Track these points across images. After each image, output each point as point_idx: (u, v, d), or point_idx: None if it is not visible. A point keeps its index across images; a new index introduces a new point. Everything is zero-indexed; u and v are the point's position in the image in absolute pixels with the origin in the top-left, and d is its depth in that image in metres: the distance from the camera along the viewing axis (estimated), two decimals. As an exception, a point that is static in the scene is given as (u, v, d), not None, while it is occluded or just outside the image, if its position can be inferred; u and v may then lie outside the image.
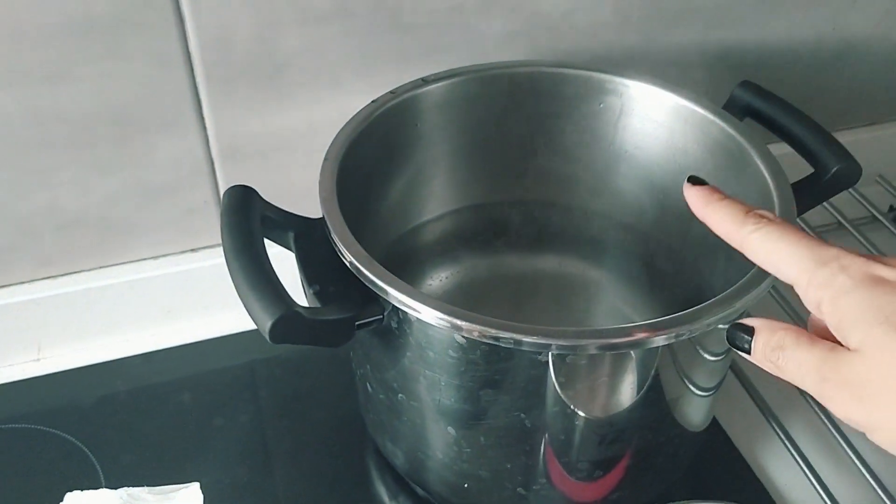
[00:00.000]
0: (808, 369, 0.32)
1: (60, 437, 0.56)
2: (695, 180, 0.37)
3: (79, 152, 0.56)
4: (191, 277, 0.63)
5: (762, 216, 0.35)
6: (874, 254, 0.64)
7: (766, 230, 0.34)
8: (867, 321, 0.30)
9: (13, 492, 0.54)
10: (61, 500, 0.50)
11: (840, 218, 0.69)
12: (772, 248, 0.34)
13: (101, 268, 0.62)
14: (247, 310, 0.39)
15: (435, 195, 0.57)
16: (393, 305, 0.39)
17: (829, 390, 0.32)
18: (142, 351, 0.63)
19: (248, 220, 0.42)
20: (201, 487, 0.51)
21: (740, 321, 0.36)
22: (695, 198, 0.36)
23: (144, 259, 0.63)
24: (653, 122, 0.53)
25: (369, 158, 0.50)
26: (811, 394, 0.33)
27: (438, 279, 0.59)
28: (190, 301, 0.64)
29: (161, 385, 0.60)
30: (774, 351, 0.34)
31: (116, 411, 0.59)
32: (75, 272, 0.62)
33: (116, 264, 0.62)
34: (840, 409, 0.32)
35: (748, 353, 0.35)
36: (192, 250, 0.63)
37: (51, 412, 0.58)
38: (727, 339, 0.37)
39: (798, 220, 0.56)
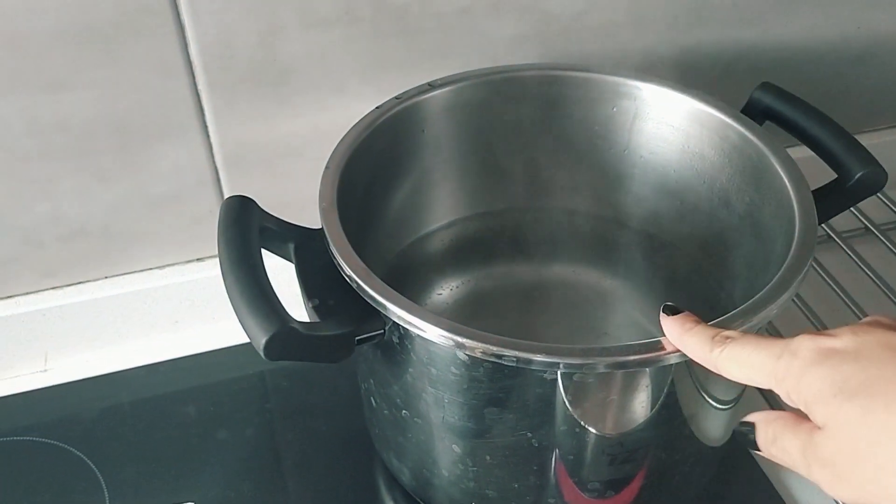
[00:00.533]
0: (796, 457, 0.32)
1: (66, 450, 0.56)
2: (669, 310, 0.37)
3: (81, 161, 0.55)
4: (197, 287, 0.62)
5: (726, 337, 0.35)
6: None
7: (728, 349, 0.34)
8: (824, 396, 0.30)
9: (17, 506, 0.53)
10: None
11: (867, 223, 0.67)
12: (739, 364, 0.34)
13: (106, 278, 0.62)
14: (241, 326, 0.38)
15: (443, 202, 0.56)
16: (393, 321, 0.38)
17: (816, 473, 0.31)
18: (148, 362, 0.62)
19: (245, 233, 0.41)
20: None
21: (744, 419, 0.35)
22: (669, 328, 0.37)
23: (150, 269, 0.62)
24: (668, 126, 0.51)
25: (373, 166, 0.49)
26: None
27: (448, 289, 0.57)
28: (196, 311, 0.63)
29: (167, 396, 0.60)
30: (775, 444, 0.33)
31: (122, 423, 0.58)
32: (80, 282, 0.61)
33: (122, 274, 0.62)
34: (829, 489, 0.31)
35: (758, 449, 0.34)
36: (199, 259, 0.63)
37: (57, 424, 0.57)
38: (738, 439, 0.35)
39: (822, 226, 0.54)
